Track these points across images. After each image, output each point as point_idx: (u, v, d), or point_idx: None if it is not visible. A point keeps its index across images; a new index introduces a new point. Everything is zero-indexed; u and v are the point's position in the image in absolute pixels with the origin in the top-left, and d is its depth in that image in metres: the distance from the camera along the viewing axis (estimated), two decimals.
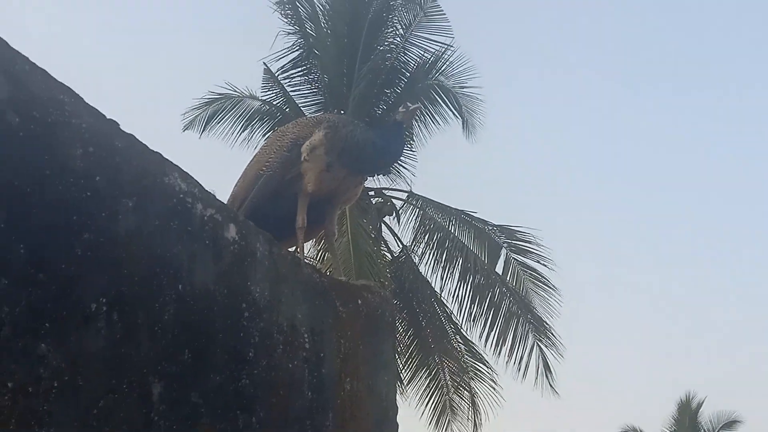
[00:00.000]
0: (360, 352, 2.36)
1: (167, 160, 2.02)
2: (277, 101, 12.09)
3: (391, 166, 3.72)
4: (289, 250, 2.60)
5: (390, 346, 2.61)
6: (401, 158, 10.71)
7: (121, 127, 1.83)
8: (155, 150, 1.99)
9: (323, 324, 2.24)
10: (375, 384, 2.38)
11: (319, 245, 10.25)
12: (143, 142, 1.95)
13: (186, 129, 11.86)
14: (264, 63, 11.88)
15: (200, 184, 2.13)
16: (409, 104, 3.35)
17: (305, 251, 3.91)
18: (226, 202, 2.75)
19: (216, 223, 2.05)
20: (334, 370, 2.25)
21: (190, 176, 2.10)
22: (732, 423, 20.87)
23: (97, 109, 1.78)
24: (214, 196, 2.22)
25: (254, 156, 3.34)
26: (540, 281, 11.11)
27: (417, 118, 11.24)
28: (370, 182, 10.80)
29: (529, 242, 11.25)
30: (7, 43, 1.54)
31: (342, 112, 11.53)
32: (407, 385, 11.51)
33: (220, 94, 11.93)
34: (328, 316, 2.26)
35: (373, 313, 2.42)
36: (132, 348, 1.73)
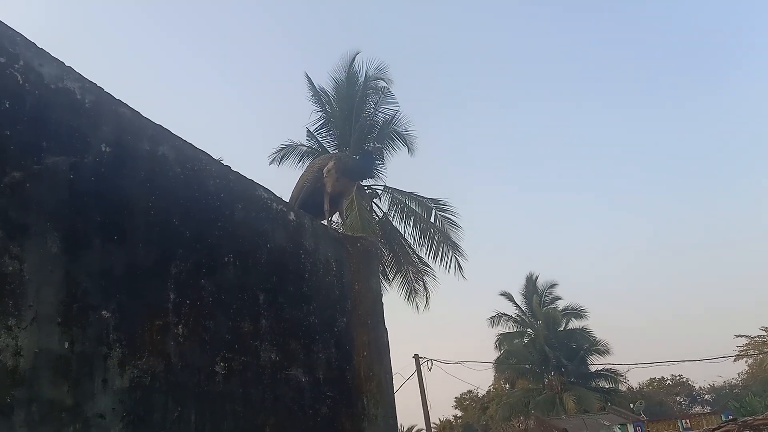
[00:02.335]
0: (361, 269, 3.05)
1: (256, 182, 2.68)
2: (314, 146, 16.92)
3: (371, 175, 3.74)
4: (322, 222, 3.13)
5: (377, 265, 3.21)
6: (377, 170, 15.69)
7: (231, 168, 2.62)
8: (249, 178, 2.65)
9: (341, 256, 2.90)
10: (370, 284, 3.07)
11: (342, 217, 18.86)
12: (243, 174, 2.64)
13: (271, 163, 17.00)
14: (306, 128, 16.96)
15: (274, 193, 2.73)
16: (372, 145, 5.35)
17: (333, 221, 4.37)
18: (288, 200, 3.31)
19: (284, 212, 2.73)
20: (349, 280, 2.93)
21: (269, 189, 2.71)
22: (553, 285, 32.06)
23: (216, 159, 2.55)
24: (281, 198, 2.80)
25: (300, 177, 4.22)
26: (452, 224, 16.35)
27: (385, 148, 16.14)
28: (365, 182, 15.25)
29: (446, 205, 16.31)
30: (170, 131, 2.32)
31: (347, 148, 15.91)
32: (392, 281, 16.11)
33: (285, 144, 16.97)
34: (343, 252, 2.93)
35: (366, 249, 3.10)
36: (247, 277, 2.44)
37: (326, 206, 4.05)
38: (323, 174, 4.06)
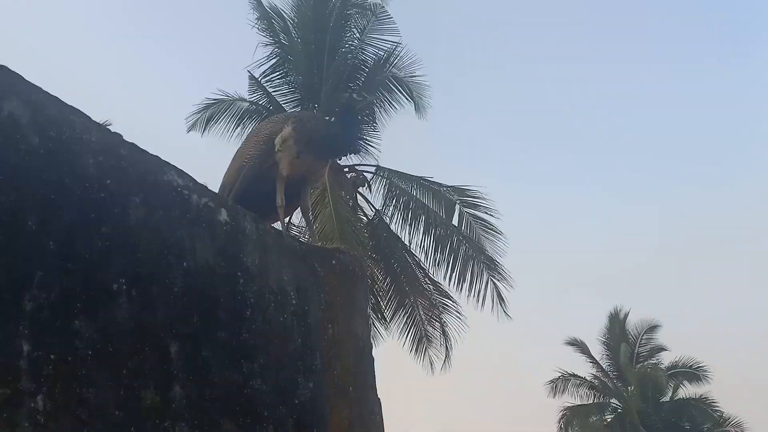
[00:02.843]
0: (337, 302, 3.19)
1: (164, 161, 2.76)
2: (262, 101, 16.91)
3: (351, 150, 4.33)
4: (273, 225, 3.27)
5: (362, 295, 3.36)
6: (364, 140, 14.92)
7: (124, 138, 2.74)
8: (153, 154, 2.75)
9: (306, 282, 3.01)
10: (352, 327, 3.23)
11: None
12: (143, 148, 2.73)
13: (190, 130, 17.11)
14: (248, 71, 16.78)
15: (194, 179, 2.81)
16: (358, 96, 4.45)
17: (293, 225, 5.15)
18: (217, 191, 3.45)
19: (210, 209, 2.85)
20: (317, 319, 3.05)
21: (185, 173, 2.80)
22: (653, 327, 32.01)
23: (102, 125, 2.65)
24: (206, 187, 2.89)
25: (237, 151, 4.29)
26: (488, 228, 16.27)
27: (377, 104, 16.36)
28: (344, 160, 15.11)
29: (477, 197, 16.36)
30: (22, 77, 2.42)
31: (316, 105, 16.13)
32: (390, 321, 16.11)
33: (214, 100, 16.98)
34: (309, 275, 3.06)
35: (345, 270, 3.28)
36: (150, 316, 2.52)
37: (280, 200, 4.21)
38: (275, 147, 4.22)
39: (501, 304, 17.00)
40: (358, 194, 17.83)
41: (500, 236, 17.20)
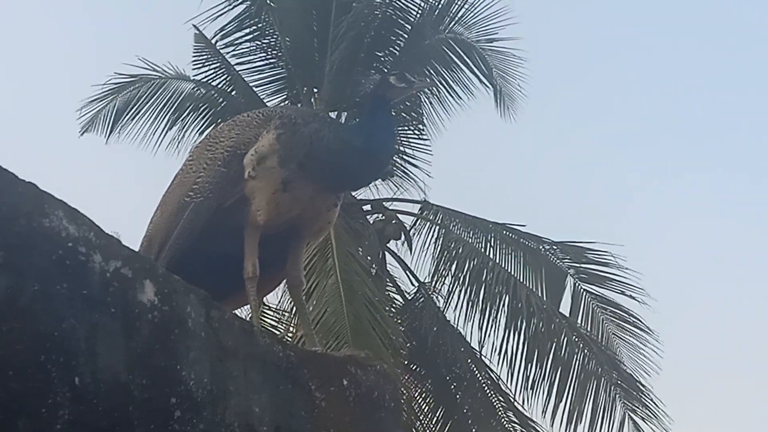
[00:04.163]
0: None
1: (46, 193, 2.19)
2: (218, 80, 13.23)
3: (380, 175, 3.80)
4: (235, 312, 2.79)
5: None
6: (408, 154, 12.74)
7: None
8: (27, 181, 2.13)
9: (294, 418, 2.42)
10: None
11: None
12: (10, 170, 2.11)
13: (85, 132, 13.08)
14: (194, 26, 12.94)
15: (97, 226, 2.30)
16: (398, 79, 3.54)
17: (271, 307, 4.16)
18: (139, 248, 2.96)
19: (125, 280, 2.25)
20: None
21: (82, 215, 2.27)
22: None
23: None
24: (119, 242, 2.37)
25: (175, 176, 3.54)
26: (628, 323, 12.20)
27: (428, 91, 12.51)
28: (365, 191, 11.97)
29: (608, 265, 12.34)
30: None
31: (315, 90, 12.84)
32: None
33: (132, 77, 13.13)
34: (299, 405, 2.44)
35: (366, 397, 2.59)
36: None
37: (251, 268, 3.14)
38: (246, 169, 3.23)
39: None
40: (387, 253, 12.62)
41: (650, 337, 11.90)
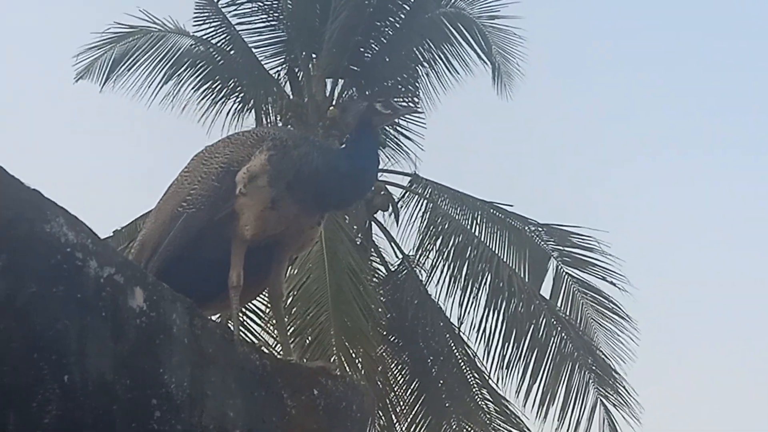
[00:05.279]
0: None
1: (49, 200, 2.33)
2: (217, 38, 13.38)
3: (363, 197, 3.85)
4: (215, 319, 3.03)
5: None
6: (401, 125, 12.73)
7: None
8: (32, 188, 2.27)
9: (265, 423, 2.57)
10: None
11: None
12: (13, 174, 2.24)
13: (80, 78, 13.14)
14: None
15: (94, 233, 2.45)
16: (394, 103, 3.80)
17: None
18: (132, 252, 3.16)
19: (117, 286, 2.39)
20: None
21: (81, 222, 2.41)
22: None
23: None
24: (114, 249, 2.59)
25: (171, 185, 3.73)
26: (607, 309, 12.28)
27: (425, 64, 12.76)
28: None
29: (592, 250, 12.42)
30: None
31: (314, 56, 13.04)
32: None
33: (132, 27, 13.21)
34: (271, 411, 2.59)
35: (334, 407, 2.72)
36: None
37: (235, 278, 3.34)
38: (237, 186, 3.38)
39: None
40: (374, 224, 12.75)
41: (628, 324, 12.06)
